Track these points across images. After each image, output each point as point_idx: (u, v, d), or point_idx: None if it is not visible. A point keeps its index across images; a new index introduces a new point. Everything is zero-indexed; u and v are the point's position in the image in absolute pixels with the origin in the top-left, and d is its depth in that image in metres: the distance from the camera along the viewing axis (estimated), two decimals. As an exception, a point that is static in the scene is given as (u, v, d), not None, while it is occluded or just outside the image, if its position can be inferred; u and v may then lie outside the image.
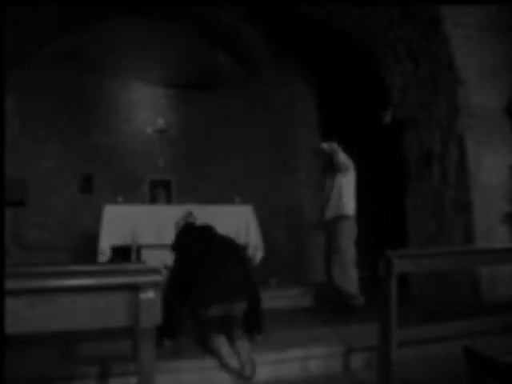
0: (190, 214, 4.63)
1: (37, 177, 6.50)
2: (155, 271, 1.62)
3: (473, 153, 4.30)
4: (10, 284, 1.42)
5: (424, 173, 4.85)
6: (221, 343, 2.61)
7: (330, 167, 3.93)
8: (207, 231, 3.16)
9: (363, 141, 7.01)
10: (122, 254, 4.56)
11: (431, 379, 2.63)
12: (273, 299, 3.88)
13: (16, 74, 6.30)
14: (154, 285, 1.57)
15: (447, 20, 4.22)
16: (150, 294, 1.56)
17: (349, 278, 3.70)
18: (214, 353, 2.62)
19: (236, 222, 4.75)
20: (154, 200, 6.90)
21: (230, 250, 2.97)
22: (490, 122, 4.35)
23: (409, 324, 2.90)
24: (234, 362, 2.54)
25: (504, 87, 4.39)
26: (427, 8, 4.28)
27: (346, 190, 3.83)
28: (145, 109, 7.32)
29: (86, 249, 5.94)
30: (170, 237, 4.57)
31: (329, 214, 3.92)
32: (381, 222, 6.82)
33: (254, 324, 2.88)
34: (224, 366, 2.55)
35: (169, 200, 6.99)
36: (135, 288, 1.56)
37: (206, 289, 2.68)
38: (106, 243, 4.41)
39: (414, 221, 5.04)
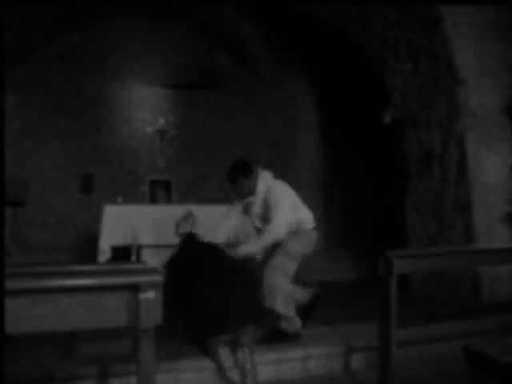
0: (190, 213, 4.63)
1: (37, 177, 6.50)
2: (155, 271, 1.61)
3: (473, 153, 4.30)
4: (10, 284, 1.42)
5: (424, 172, 4.85)
6: (223, 355, 2.58)
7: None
8: (208, 251, 2.86)
9: (363, 141, 7.02)
10: (122, 253, 4.56)
11: (431, 379, 2.63)
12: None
13: (16, 74, 6.30)
14: (153, 285, 1.57)
15: (447, 20, 4.23)
16: (149, 294, 1.56)
17: (278, 289, 2.80)
18: (215, 362, 2.60)
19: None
20: (154, 200, 6.90)
21: (237, 272, 2.78)
22: (489, 122, 4.35)
23: (409, 324, 2.90)
24: (235, 376, 2.52)
25: (504, 87, 4.39)
26: (427, 8, 4.28)
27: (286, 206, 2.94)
28: (145, 109, 7.32)
29: (86, 249, 5.94)
30: (170, 237, 4.59)
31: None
32: (381, 221, 6.82)
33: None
34: (225, 379, 2.54)
35: (169, 200, 6.99)
36: (135, 288, 1.56)
37: (214, 318, 2.60)
38: (106, 243, 4.41)
39: (414, 221, 5.04)
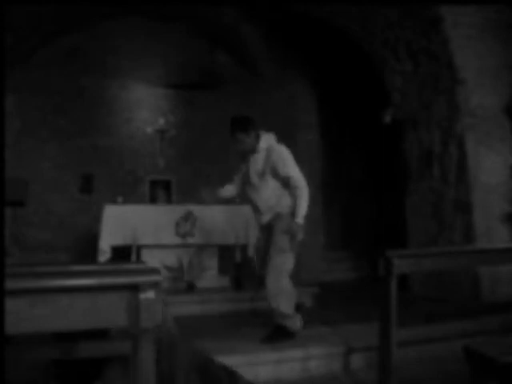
0: (190, 213, 4.64)
1: (37, 177, 6.49)
2: (155, 271, 1.61)
3: (473, 153, 4.30)
4: (10, 284, 1.42)
5: (424, 172, 4.85)
6: None
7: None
8: None
9: (363, 141, 7.02)
10: (122, 253, 4.56)
11: (431, 379, 2.63)
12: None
13: (16, 74, 6.30)
14: (153, 285, 1.57)
15: (447, 20, 4.23)
16: (149, 294, 1.56)
17: (282, 290, 2.91)
18: None
19: (236, 222, 4.75)
20: (153, 200, 6.89)
21: None
22: (489, 122, 4.36)
23: (409, 324, 2.90)
24: None
25: (504, 87, 4.40)
26: (427, 8, 4.29)
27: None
28: (145, 109, 7.32)
29: (86, 249, 5.94)
30: (170, 237, 4.59)
31: (264, 218, 3.12)
32: (381, 221, 6.82)
33: None
34: None
35: (169, 200, 6.98)
36: (135, 288, 1.56)
37: None
38: (106, 243, 4.40)
39: (413, 220, 5.04)
